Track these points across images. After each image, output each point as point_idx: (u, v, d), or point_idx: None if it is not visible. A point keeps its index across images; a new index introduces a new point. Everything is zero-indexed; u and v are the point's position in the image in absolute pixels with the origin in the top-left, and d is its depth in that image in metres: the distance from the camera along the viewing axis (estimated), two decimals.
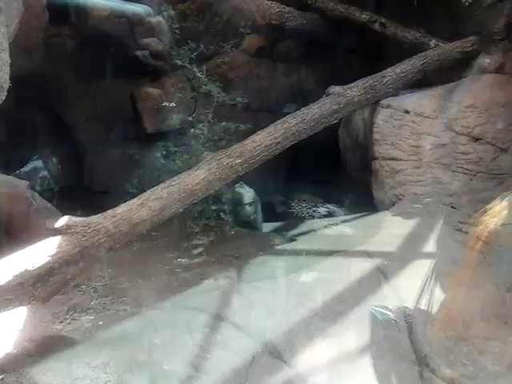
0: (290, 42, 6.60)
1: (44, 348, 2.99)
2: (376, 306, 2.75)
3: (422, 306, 2.77)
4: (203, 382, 2.47)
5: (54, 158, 6.14)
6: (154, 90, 5.96)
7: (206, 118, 5.70)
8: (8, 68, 2.68)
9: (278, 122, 3.98)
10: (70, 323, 3.35)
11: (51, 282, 2.85)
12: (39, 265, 2.72)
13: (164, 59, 5.89)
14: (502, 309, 2.72)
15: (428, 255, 3.24)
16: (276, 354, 2.56)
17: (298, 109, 4.25)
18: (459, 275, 3.00)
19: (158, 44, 5.81)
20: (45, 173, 5.97)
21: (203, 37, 6.07)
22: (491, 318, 2.66)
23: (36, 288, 2.82)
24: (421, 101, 4.26)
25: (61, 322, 3.35)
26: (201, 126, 5.57)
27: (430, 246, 3.33)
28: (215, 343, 2.64)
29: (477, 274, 2.99)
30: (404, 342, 2.59)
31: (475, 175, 3.79)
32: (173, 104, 5.88)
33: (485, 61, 4.57)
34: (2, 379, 2.67)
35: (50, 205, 4.41)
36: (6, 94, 2.68)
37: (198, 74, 5.81)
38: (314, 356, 2.55)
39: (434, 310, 2.74)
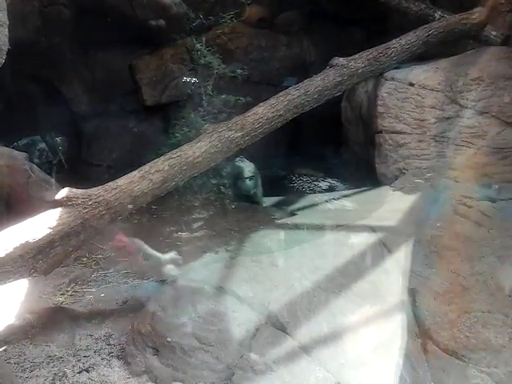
0: (291, 13, 6.47)
1: (46, 320, 2.99)
2: None
3: (426, 280, 2.76)
4: (207, 353, 2.47)
5: (51, 131, 6.07)
6: (152, 62, 5.86)
7: (206, 90, 5.62)
8: (6, 30, 2.60)
9: (281, 93, 3.91)
10: (71, 295, 3.36)
11: (52, 254, 2.82)
12: (40, 237, 2.69)
13: (180, 22, 5.65)
14: (506, 283, 2.72)
15: (431, 229, 3.21)
16: (279, 325, 2.55)
17: (299, 81, 4.18)
18: (463, 249, 2.98)
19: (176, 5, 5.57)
20: (43, 145, 5.91)
21: (202, 7, 5.94)
22: (495, 291, 2.66)
23: (37, 260, 2.79)
24: (426, 73, 4.19)
25: (62, 294, 3.36)
26: (200, 98, 5.51)
27: (433, 220, 3.30)
28: (218, 315, 2.63)
29: (480, 248, 2.98)
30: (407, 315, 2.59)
31: (479, 149, 3.74)
32: (172, 76, 5.79)
33: (491, 33, 4.49)
34: (5, 350, 2.68)
35: (48, 177, 4.36)
36: (5, 56, 2.59)
37: (198, 45, 5.70)
38: (317, 328, 2.55)
39: (438, 283, 2.73)
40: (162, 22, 5.62)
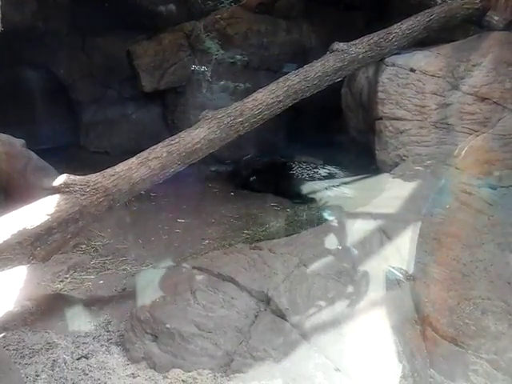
0: None
1: (45, 307, 3.00)
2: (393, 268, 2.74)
3: (425, 267, 2.76)
4: (206, 340, 2.47)
5: (49, 117, 6.04)
6: (151, 47, 5.80)
7: (205, 76, 5.58)
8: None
9: (280, 79, 3.86)
10: (70, 282, 3.36)
11: (50, 241, 2.81)
12: (38, 223, 2.67)
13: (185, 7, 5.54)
14: (506, 270, 2.71)
15: (431, 216, 3.20)
16: (279, 312, 2.55)
17: (299, 67, 4.13)
18: (463, 236, 2.97)
19: None
20: (41, 132, 5.88)
21: None
22: (494, 278, 2.65)
23: (35, 247, 2.78)
24: (427, 59, 4.14)
25: (61, 281, 3.36)
26: (199, 84, 5.47)
27: (434, 208, 3.29)
28: (217, 302, 2.63)
29: (480, 235, 2.96)
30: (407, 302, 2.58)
31: (480, 136, 3.71)
32: (171, 61, 5.73)
33: (493, 18, 4.43)
34: (4, 337, 2.68)
35: (46, 164, 4.34)
36: None
37: (196, 31, 5.65)
38: (317, 315, 2.55)
39: (438, 270, 2.73)
40: (172, 6, 5.53)
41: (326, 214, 4.39)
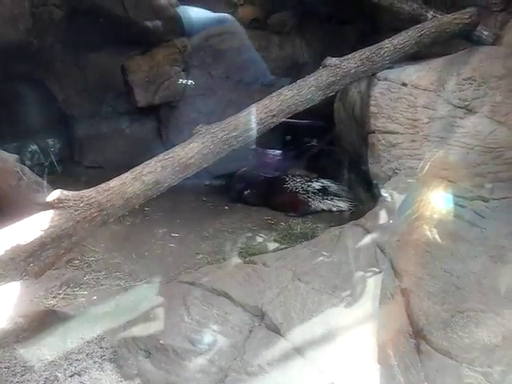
0: (284, 14, 6.47)
1: (37, 323, 2.97)
2: None
3: (419, 280, 2.76)
4: (200, 356, 2.46)
5: (43, 132, 6.04)
6: (145, 62, 5.84)
7: (198, 91, 5.62)
8: None
9: (274, 94, 3.89)
10: (63, 298, 3.33)
11: (43, 257, 2.79)
12: (31, 239, 2.66)
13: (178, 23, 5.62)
14: (499, 282, 2.72)
15: (424, 229, 3.21)
16: (273, 327, 2.54)
17: (293, 81, 4.16)
18: (456, 249, 2.99)
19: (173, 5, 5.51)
20: (34, 147, 5.88)
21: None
22: (488, 291, 2.66)
23: (28, 263, 2.76)
24: (418, 73, 4.18)
25: (54, 297, 3.33)
26: (193, 99, 5.50)
27: (426, 220, 3.31)
28: (212, 317, 2.62)
29: (473, 248, 2.98)
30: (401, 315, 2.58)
31: (472, 149, 3.75)
32: (165, 76, 5.77)
33: (483, 33, 4.49)
34: None
35: (40, 179, 4.33)
36: None
37: (190, 46, 5.70)
38: (311, 329, 2.54)
39: (431, 283, 2.73)
40: (157, 22, 5.60)
41: (320, 228, 4.41)
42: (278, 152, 6.19)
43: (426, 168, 3.81)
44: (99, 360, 2.67)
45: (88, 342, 2.81)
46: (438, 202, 3.39)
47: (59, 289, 3.43)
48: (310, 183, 5.22)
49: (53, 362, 2.63)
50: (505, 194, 3.49)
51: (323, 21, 6.38)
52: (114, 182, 3.08)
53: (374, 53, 4.23)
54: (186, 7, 5.59)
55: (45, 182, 4.31)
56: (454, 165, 3.68)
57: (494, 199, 3.39)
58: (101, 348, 2.77)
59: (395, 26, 4.85)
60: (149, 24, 5.54)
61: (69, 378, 2.50)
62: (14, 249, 2.61)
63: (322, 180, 5.27)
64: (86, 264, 3.84)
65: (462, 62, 4.11)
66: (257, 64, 5.88)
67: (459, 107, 3.92)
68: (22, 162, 4.42)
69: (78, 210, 2.84)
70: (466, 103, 3.91)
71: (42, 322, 2.97)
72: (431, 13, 4.82)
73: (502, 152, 3.66)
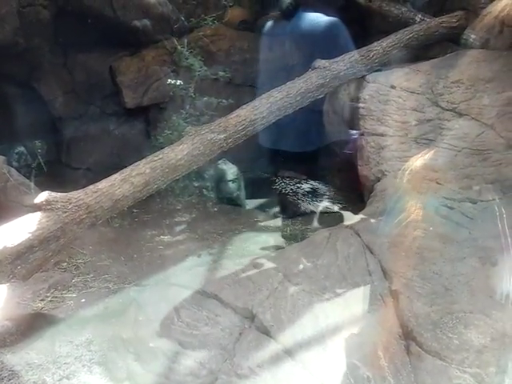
0: (272, 16, 6.46)
1: (25, 326, 2.93)
2: None
3: (408, 281, 2.77)
4: (190, 358, 2.44)
5: (30, 134, 5.97)
6: (134, 63, 5.80)
7: (188, 92, 5.60)
8: None
9: (264, 96, 3.91)
10: (51, 301, 3.29)
11: (31, 260, 2.76)
12: (18, 242, 2.64)
13: (167, 22, 5.59)
14: (487, 283, 2.74)
15: (413, 231, 3.23)
16: (263, 329, 2.54)
17: (282, 83, 4.18)
18: (444, 250, 3.01)
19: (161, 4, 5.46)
20: (21, 148, 5.82)
21: (184, 8, 5.91)
22: (476, 292, 2.68)
23: (15, 266, 2.73)
24: (407, 76, 4.22)
25: (42, 299, 3.29)
26: (182, 100, 5.48)
27: (415, 222, 3.32)
28: (201, 320, 2.61)
29: (462, 249, 3.00)
30: (391, 317, 2.59)
31: (460, 151, 3.77)
32: (154, 78, 5.74)
33: (470, 36, 4.54)
34: None
35: (27, 181, 4.28)
36: None
37: (179, 47, 5.67)
38: (301, 331, 2.54)
39: (420, 284, 2.75)
40: (146, 22, 5.57)
41: (310, 230, 4.42)
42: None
43: (408, 170, 3.83)
44: (88, 363, 2.64)
45: (76, 346, 2.79)
46: (427, 203, 3.41)
47: (47, 291, 3.40)
48: (299, 185, 5.22)
49: (41, 365, 2.60)
50: (492, 196, 3.52)
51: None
52: (103, 184, 3.06)
53: (362, 55, 4.28)
54: None
55: (32, 184, 4.26)
56: (443, 167, 3.69)
57: (481, 201, 3.41)
58: (89, 351, 2.75)
59: (384, 29, 4.89)
60: (137, 24, 5.51)
61: (57, 382, 2.48)
62: (1, 251, 2.58)
63: (312, 182, 5.27)
64: (75, 266, 3.81)
65: (450, 66, 4.15)
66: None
67: (447, 110, 3.95)
68: (9, 163, 4.37)
69: (66, 211, 2.82)
70: (454, 106, 3.94)
71: (29, 326, 2.94)
72: (419, 16, 4.88)
73: (490, 154, 3.69)
